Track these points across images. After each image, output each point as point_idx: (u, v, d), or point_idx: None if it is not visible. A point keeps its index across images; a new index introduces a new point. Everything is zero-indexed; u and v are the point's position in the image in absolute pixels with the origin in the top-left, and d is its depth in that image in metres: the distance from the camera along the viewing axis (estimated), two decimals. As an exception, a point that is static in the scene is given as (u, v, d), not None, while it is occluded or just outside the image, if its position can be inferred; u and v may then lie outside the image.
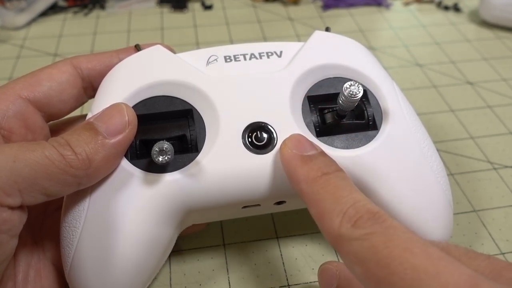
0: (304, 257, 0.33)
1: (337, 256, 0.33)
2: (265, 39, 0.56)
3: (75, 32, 0.57)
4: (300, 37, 0.56)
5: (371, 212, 0.20)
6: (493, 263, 0.20)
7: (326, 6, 0.62)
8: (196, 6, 0.62)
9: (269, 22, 0.59)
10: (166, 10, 0.61)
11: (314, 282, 0.31)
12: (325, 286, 0.26)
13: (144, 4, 0.61)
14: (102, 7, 0.61)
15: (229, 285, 0.31)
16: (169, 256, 0.30)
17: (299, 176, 0.23)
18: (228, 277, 0.31)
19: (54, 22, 0.58)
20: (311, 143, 0.25)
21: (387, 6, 0.63)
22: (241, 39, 0.56)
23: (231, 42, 0.55)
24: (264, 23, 0.59)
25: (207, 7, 0.62)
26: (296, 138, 0.25)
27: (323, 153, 0.24)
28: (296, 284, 0.31)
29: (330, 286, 0.26)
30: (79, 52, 0.52)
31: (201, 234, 0.34)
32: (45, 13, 0.59)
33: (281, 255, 0.33)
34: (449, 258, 0.17)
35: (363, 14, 0.61)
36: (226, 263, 0.32)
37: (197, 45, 0.55)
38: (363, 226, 0.19)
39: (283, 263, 0.32)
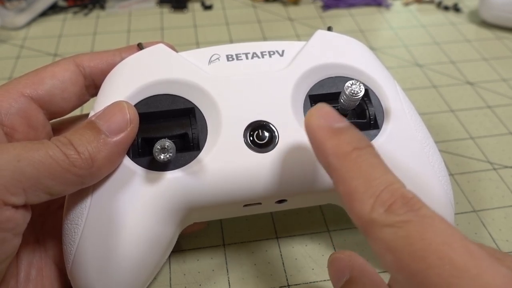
0: (304, 257, 0.33)
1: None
2: (265, 39, 0.56)
3: (75, 32, 0.57)
4: (300, 37, 0.56)
5: (406, 197, 0.18)
6: None
7: (326, 6, 0.62)
8: (196, 6, 0.62)
9: (269, 22, 0.59)
10: (166, 10, 0.61)
11: (314, 282, 0.31)
12: (335, 278, 0.24)
13: (144, 4, 0.61)
14: (102, 7, 0.61)
15: (229, 285, 0.31)
16: (169, 256, 0.30)
17: (328, 149, 0.21)
18: (228, 277, 0.31)
19: (54, 22, 0.58)
20: (340, 116, 0.22)
21: (387, 6, 0.63)
22: (241, 39, 0.56)
23: (231, 42, 0.55)
24: (264, 23, 0.59)
25: (207, 7, 0.62)
26: (324, 108, 0.22)
27: (353, 126, 0.22)
28: (296, 284, 0.31)
29: (341, 278, 0.24)
30: (79, 52, 0.52)
31: (201, 234, 0.34)
32: (45, 13, 0.59)
33: (281, 255, 0.33)
34: (490, 258, 0.16)
35: (363, 14, 0.61)
36: (226, 263, 0.32)
37: (197, 45, 0.55)
38: (397, 212, 0.18)
39: (283, 263, 0.32)
